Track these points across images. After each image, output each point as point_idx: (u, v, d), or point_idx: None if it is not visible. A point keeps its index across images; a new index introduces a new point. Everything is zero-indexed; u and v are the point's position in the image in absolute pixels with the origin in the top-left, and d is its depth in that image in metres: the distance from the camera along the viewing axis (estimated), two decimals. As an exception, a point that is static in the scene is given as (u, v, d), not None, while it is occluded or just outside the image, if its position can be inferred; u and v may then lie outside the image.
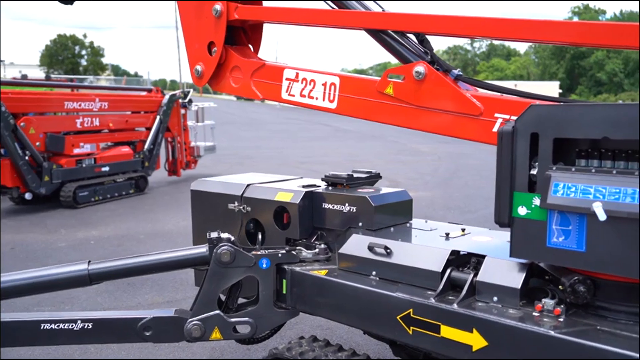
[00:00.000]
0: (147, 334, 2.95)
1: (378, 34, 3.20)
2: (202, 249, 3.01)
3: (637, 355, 1.94)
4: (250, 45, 4.01)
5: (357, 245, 2.94)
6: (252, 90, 3.75)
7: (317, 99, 3.43)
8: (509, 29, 2.75)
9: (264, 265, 2.98)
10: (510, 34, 2.76)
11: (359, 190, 3.31)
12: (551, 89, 51.88)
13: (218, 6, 3.69)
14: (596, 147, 2.26)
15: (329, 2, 3.42)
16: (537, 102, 2.57)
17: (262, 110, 43.94)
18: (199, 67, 3.91)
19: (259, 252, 3.00)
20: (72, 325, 2.91)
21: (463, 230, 3.08)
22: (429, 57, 3.03)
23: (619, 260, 2.11)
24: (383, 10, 3.26)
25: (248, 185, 3.53)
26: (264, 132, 29.13)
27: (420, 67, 2.94)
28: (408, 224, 3.30)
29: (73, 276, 2.97)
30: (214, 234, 2.99)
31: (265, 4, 3.87)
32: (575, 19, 61.36)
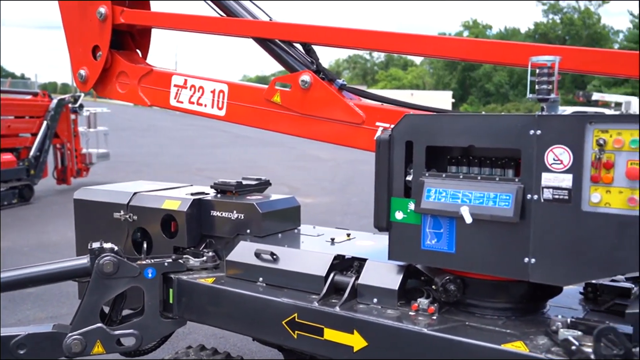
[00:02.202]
0: (21, 352, 2.79)
1: (265, 43, 3.24)
2: (83, 260, 2.90)
3: (498, 346, 2.10)
4: (138, 50, 3.92)
5: (244, 252, 2.95)
6: (140, 97, 3.67)
7: (205, 106, 3.41)
8: (391, 42, 2.90)
9: (150, 275, 2.92)
10: (392, 47, 2.91)
11: (248, 197, 3.33)
12: (444, 98, 54.46)
13: (103, 9, 3.58)
14: (465, 155, 2.42)
15: (218, 9, 3.42)
16: (412, 111, 2.71)
17: (161, 117, 42.73)
18: (82, 72, 3.76)
19: (144, 262, 2.93)
20: None
21: (348, 235, 3.18)
22: (315, 66, 3.11)
23: (484, 260, 2.28)
24: (271, 20, 3.31)
25: (134, 193, 3.44)
26: (162, 138, 28.34)
27: (306, 76, 3.01)
28: (296, 230, 3.36)
29: None
30: (95, 244, 2.89)
31: (154, 8, 3.81)
32: (466, 32, 64.96)
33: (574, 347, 1.96)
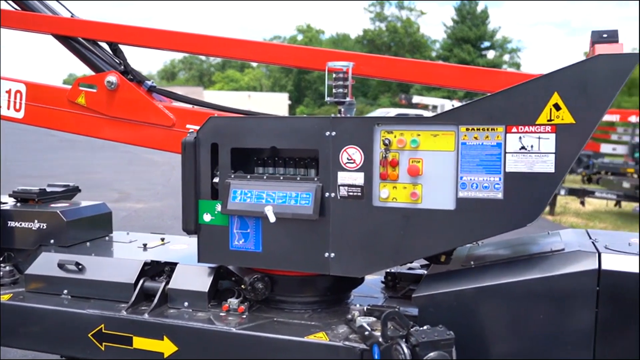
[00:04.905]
0: None
1: (67, 41, 3.06)
2: None
3: (302, 339, 2.20)
4: None
5: (46, 263, 2.76)
6: None
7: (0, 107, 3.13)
8: (204, 45, 2.88)
9: None
10: (193, 48, 2.91)
11: (52, 205, 3.11)
12: (281, 100, 55.53)
13: None
14: (271, 156, 2.49)
15: (13, 3, 3.16)
16: (216, 113, 2.73)
17: (-29, 118, 38.28)
18: None
19: None
20: None
21: (162, 239, 3.11)
22: (123, 67, 3.00)
23: (288, 257, 2.37)
24: (72, 16, 3.13)
25: None
26: (-28, 143, 25.41)
27: (112, 77, 2.89)
28: (107, 238, 3.21)
29: None
30: None
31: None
32: (300, 36, 66.74)
33: (367, 333, 2.11)
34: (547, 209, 11.66)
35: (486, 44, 48.77)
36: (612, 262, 2.06)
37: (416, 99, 23.54)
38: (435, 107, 21.93)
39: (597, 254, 2.09)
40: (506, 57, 49.92)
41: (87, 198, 3.46)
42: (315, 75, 67.70)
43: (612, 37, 2.13)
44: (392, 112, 22.11)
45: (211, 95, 49.48)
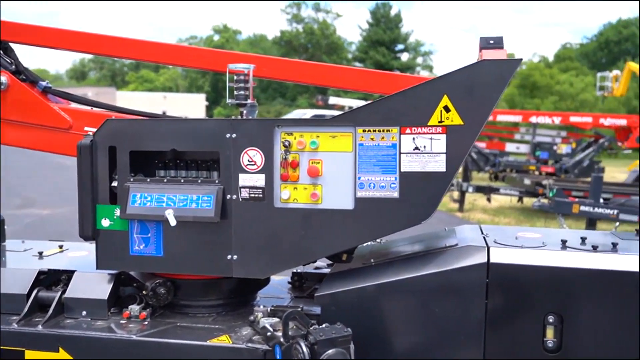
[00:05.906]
0: None
1: (-51, 39, 2.87)
2: None
3: (204, 343, 2.18)
4: None
5: None
6: None
7: None
8: (98, 45, 2.78)
9: None
10: (96, 49, 2.82)
11: None
12: (198, 101, 54.68)
13: None
14: (173, 159, 2.45)
15: None
16: (114, 115, 2.65)
17: None
18: None
19: None
20: None
21: (61, 247, 2.99)
22: (14, 67, 2.85)
23: (191, 260, 2.34)
24: (-45, 12, 2.94)
25: None
26: None
27: (2, 77, 2.74)
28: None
29: None
30: None
31: None
32: (217, 36, 65.86)
33: (269, 333, 2.12)
34: (457, 206, 12.18)
35: (400, 46, 50.20)
36: (500, 256, 2.18)
37: (333, 100, 23.83)
38: (351, 108, 22.32)
39: (486, 248, 2.21)
40: (419, 60, 51.62)
41: (-18, 205, 3.27)
42: (233, 76, 66.54)
43: (497, 43, 2.25)
44: (309, 113, 22.31)
45: (125, 96, 47.89)
